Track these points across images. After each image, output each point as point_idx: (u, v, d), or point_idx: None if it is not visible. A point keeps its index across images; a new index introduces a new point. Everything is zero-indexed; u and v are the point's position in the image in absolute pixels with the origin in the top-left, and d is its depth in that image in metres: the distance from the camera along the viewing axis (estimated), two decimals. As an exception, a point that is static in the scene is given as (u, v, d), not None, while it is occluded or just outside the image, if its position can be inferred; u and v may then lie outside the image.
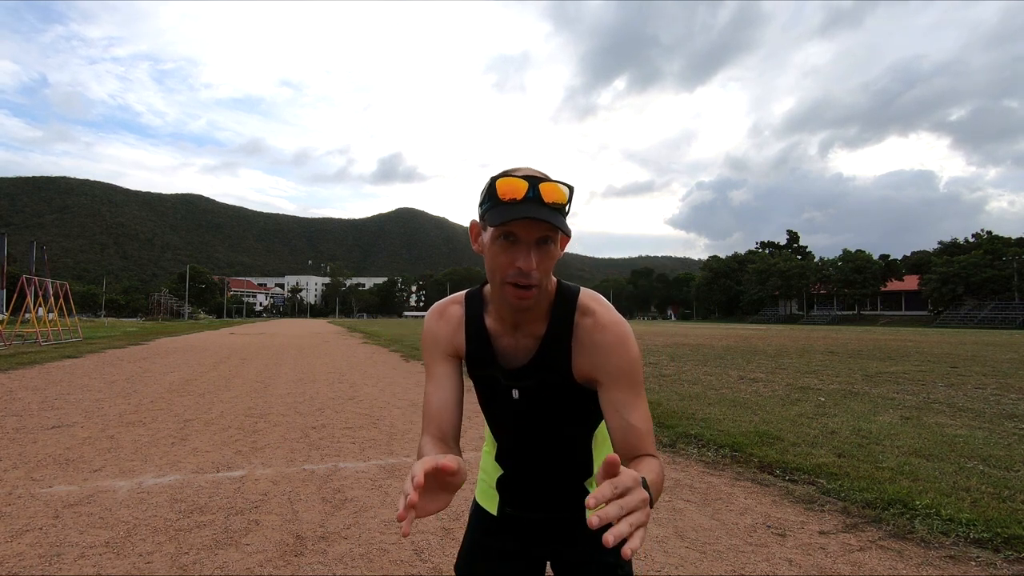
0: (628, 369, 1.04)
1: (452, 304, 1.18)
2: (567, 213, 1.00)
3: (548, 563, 1.26)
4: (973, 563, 2.68)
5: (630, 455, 0.99)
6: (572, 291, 1.10)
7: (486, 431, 1.29)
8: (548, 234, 0.97)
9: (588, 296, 1.10)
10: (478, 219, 1.05)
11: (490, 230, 1.00)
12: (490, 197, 0.98)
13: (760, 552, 2.82)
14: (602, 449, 1.22)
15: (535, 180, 0.96)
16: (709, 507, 3.47)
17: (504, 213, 0.95)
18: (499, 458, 1.25)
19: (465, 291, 1.20)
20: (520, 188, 0.95)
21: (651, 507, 0.74)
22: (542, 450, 1.18)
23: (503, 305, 1.06)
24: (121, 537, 2.92)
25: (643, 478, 0.74)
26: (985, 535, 2.92)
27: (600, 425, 1.21)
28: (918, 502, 3.33)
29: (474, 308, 1.15)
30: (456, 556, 1.30)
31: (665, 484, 3.95)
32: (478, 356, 1.13)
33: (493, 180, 0.98)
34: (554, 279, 1.10)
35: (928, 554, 2.79)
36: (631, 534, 0.65)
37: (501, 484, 1.25)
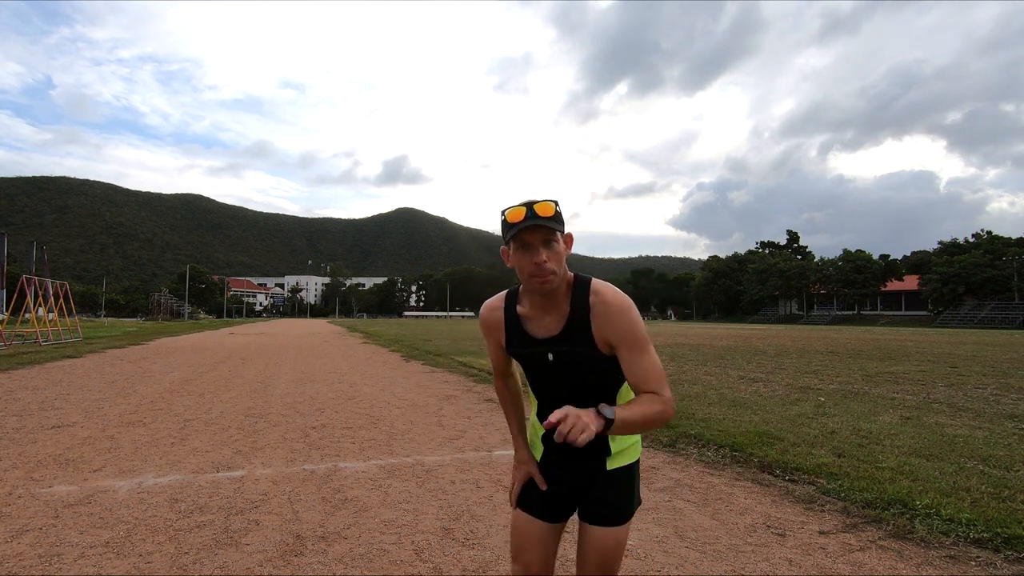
0: (631, 332, 1.44)
1: (497, 301, 1.63)
2: (561, 220, 1.44)
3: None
4: (973, 563, 2.69)
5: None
6: (586, 279, 1.51)
7: (531, 393, 1.68)
8: (548, 236, 1.41)
9: (598, 282, 1.50)
10: (505, 245, 1.48)
11: (512, 246, 1.44)
12: (504, 224, 1.44)
13: (760, 552, 2.82)
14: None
15: (531, 203, 1.41)
16: (709, 507, 3.47)
17: (515, 230, 1.40)
18: (540, 415, 1.63)
19: (505, 291, 1.63)
20: (521, 211, 1.41)
21: (608, 428, 1.28)
22: (573, 403, 1.42)
23: (532, 295, 1.51)
24: (121, 537, 2.92)
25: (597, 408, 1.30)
26: (985, 535, 2.92)
27: (624, 385, 1.55)
28: (918, 502, 3.33)
29: (510, 304, 1.60)
30: (511, 486, 1.69)
31: (665, 483, 3.96)
32: (515, 338, 1.57)
33: (503, 212, 1.44)
34: (571, 273, 1.51)
35: (928, 554, 2.79)
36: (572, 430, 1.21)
37: (544, 437, 1.64)
